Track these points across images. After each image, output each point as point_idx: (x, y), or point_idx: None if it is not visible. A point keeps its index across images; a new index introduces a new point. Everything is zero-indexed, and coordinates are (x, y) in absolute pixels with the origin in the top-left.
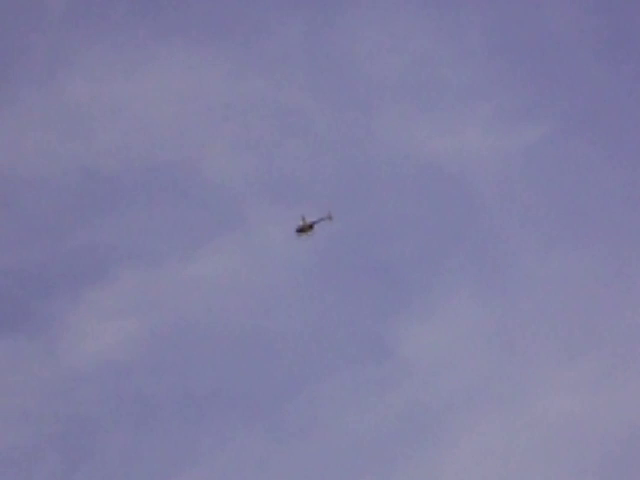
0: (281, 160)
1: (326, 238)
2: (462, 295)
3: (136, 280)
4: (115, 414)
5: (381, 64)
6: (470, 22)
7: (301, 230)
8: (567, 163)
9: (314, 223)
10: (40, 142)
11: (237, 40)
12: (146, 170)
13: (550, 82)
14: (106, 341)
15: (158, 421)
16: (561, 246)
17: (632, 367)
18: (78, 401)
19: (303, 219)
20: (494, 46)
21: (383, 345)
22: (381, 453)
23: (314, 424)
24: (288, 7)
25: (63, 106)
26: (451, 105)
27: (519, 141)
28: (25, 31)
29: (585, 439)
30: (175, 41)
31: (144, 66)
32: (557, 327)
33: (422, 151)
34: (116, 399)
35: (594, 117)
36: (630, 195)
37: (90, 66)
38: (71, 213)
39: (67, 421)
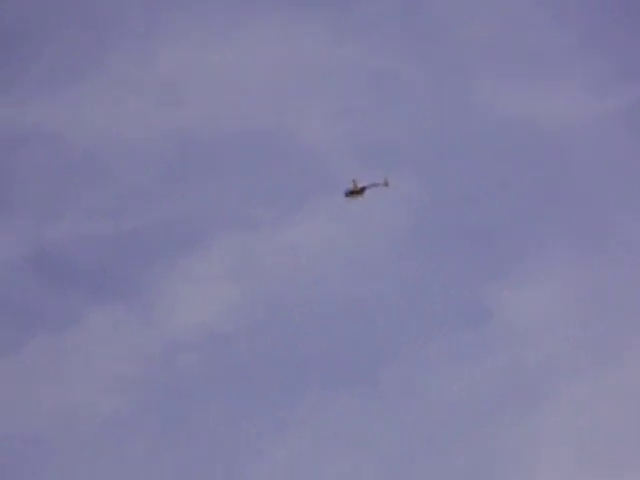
0: (377, 126)
1: (421, 203)
2: (559, 257)
3: (232, 246)
4: (212, 381)
5: (477, 27)
6: None
7: (350, 193)
8: None
9: (365, 187)
10: (135, 109)
11: (332, 5)
12: (241, 136)
13: None
14: (202, 308)
15: (256, 387)
16: None
17: None
18: (176, 368)
19: (354, 182)
20: (591, 6)
21: (480, 309)
22: (480, 415)
23: (412, 388)
24: None
25: (157, 73)
26: (548, 66)
27: (616, 102)
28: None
29: None
30: (270, 6)
31: (239, 32)
32: None
33: (519, 113)
34: (213, 366)
35: None
36: None
37: (184, 32)
38: (166, 180)
39: (165, 388)
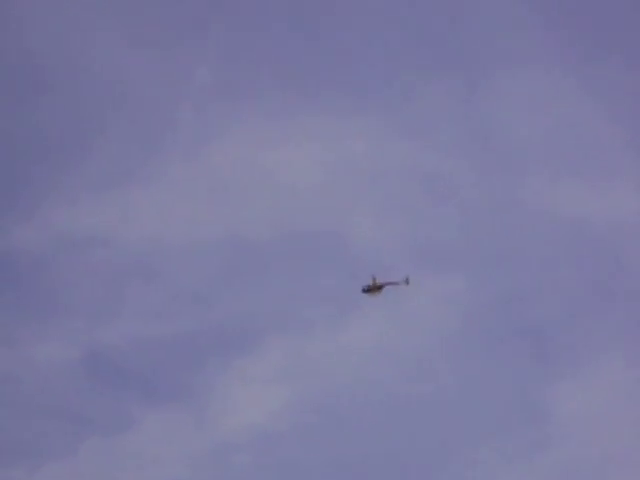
0: (427, 225)
1: (474, 302)
2: (612, 356)
3: (285, 348)
4: None
5: (527, 125)
6: (616, 81)
7: (368, 290)
8: None
9: (384, 285)
10: (189, 212)
11: (382, 105)
12: (293, 238)
13: None
14: (255, 409)
15: None
16: None
17: None
18: (228, 469)
19: (373, 279)
20: None
21: (532, 408)
22: None
23: None
24: (432, 71)
25: (208, 175)
26: (599, 165)
27: None
28: (173, 102)
29: None
30: (321, 108)
31: (290, 131)
32: None
33: (570, 212)
34: (265, 466)
35: None
36: None
37: (235, 134)
38: (218, 282)
39: None
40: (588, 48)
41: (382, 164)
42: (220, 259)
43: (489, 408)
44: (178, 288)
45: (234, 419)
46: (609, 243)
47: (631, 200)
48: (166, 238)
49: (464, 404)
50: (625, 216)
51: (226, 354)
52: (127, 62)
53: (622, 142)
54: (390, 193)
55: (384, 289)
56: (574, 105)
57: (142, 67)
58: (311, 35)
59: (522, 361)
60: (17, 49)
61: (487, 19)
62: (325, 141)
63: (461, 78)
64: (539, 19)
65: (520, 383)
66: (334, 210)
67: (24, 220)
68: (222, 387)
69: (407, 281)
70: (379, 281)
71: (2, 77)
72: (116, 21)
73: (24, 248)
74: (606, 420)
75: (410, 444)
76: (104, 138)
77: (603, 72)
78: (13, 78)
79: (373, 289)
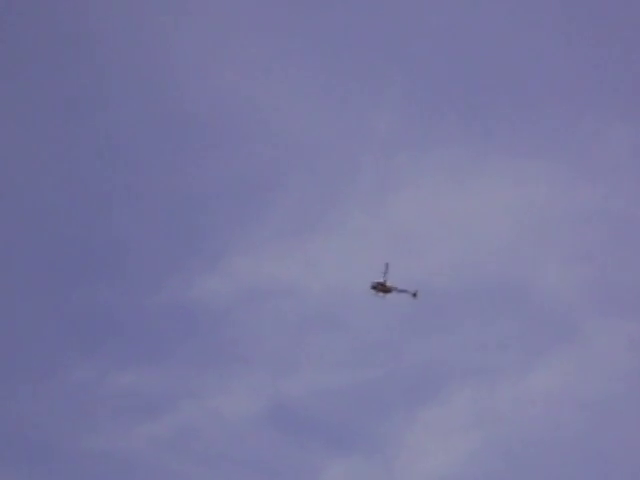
0: (615, 270)
1: None
2: None
3: (472, 396)
4: None
5: None
6: None
7: (376, 288)
8: None
9: (393, 289)
10: (372, 261)
11: (566, 150)
12: (478, 285)
13: None
14: (444, 458)
15: None
16: None
17: None
18: None
19: (384, 279)
20: None
21: None
22: None
23: None
24: (615, 115)
25: (389, 224)
26: None
27: None
28: (353, 152)
29: None
30: (502, 152)
31: (472, 178)
32: None
33: None
34: None
35: None
36: None
37: (418, 184)
38: (404, 330)
39: None
40: None
41: (567, 208)
42: (404, 308)
43: None
44: (362, 337)
45: (422, 468)
46: None
47: None
48: (349, 287)
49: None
50: None
51: (412, 402)
52: (307, 113)
53: None
54: (576, 238)
55: (392, 294)
56: None
57: (322, 118)
58: (491, 80)
59: None
60: (195, 102)
61: None
62: (509, 187)
63: None
64: None
65: None
66: (519, 257)
67: (207, 270)
68: (409, 436)
69: (415, 294)
70: (389, 284)
71: (186, 131)
72: (294, 71)
73: (207, 298)
74: None
75: None
76: (285, 189)
77: None
78: (192, 132)
79: (382, 289)
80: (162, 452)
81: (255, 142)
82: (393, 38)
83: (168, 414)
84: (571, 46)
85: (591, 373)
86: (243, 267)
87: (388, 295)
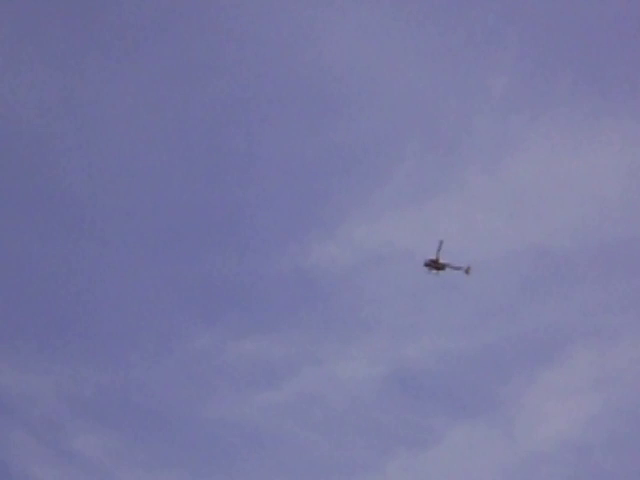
0: None
1: None
2: None
3: (592, 357)
4: None
5: None
6: None
7: (431, 265)
8: None
9: (446, 266)
10: (490, 224)
11: None
12: (597, 247)
13: None
14: (565, 421)
15: None
16: None
17: None
18: None
19: (437, 256)
20: None
21: None
22: None
23: None
24: None
25: (508, 186)
26: None
27: None
28: (469, 114)
29: None
30: (618, 113)
31: (588, 141)
32: None
33: None
34: (574, 479)
35: None
36: None
37: (534, 145)
38: (524, 293)
39: None
40: None
41: None
42: (523, 270)
43: None
44: (482, 301)
45: (542, 431)
46: None
47: None
48: (468, 250)
49: None
50: None
51: (532, 366)
52: (422, 77)
53: None
54: None
55: (445, 271)
56: None
57: (436, 81)
58: (608, 40)
59: None
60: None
61: None
62: (625, 148)
63: None
64: None
65: None
66: (638, 218)
67: (326, 237)
68: (529, 399)
69: (468, 270)
70: (442, 261)
71: (304, 100)
72: (408, 36)
73: (327, 265)
74: None
75: None
76: (402, 154)
77: None
78: (311, 100)
79: (436, 266)
80: (283, 419)
81: (372, 108)
82: None
83: (289, 381)
84: None
85: None
86: (362, 233)
87: (441, 272)
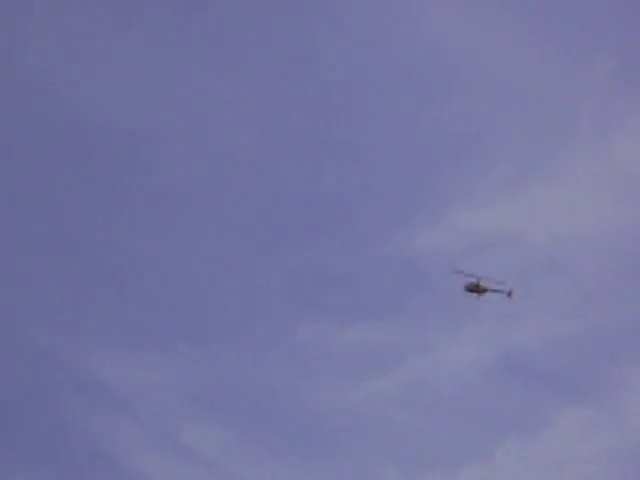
0: None
1: None
2: None
3: None
4: None
5: None
6: None
7: (471, 290)
8: None
9: (488, 289)
10: (595, 207)
11: None
12: None
13: None
14: None
15: None
16: None
17: None
18: None
19: (478, 280)
20: None
21: None
22: None
23: None
24: None
25: (615, 169)
26: None
27: None
28: (574, 96)
29: None
30: None
31: None
32: None
33: None
34: None
35: None
36: None
37: (639, 128)
38: (629, 276)
39: None
40: None
41: None
42: (627, 253)
43: None
44: (588, 285)
45: None
46: None
47: None
48: (573, 234)
49: None
50: None
51: None
52: (525, 60)
53: None
54: None
55: (487, 294)
56: None
57: (540, 64)
58: None
59: None
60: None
61: None
62: None
63: None
64: None
65: None
66: None
67: (430, 225)
68: (637, 381)
69: (510, 294)
70: (483, 284)
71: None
72: (512, 18)
73: (432, 251)
74: None
75: None
76: (507, 138)
77: None
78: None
79: (477, 290)
80: (390, 407)
81: (477, 94)
82: None
83: (395, 369)
84: None
85: None
86: (467, 218)
87: (482, 296)
